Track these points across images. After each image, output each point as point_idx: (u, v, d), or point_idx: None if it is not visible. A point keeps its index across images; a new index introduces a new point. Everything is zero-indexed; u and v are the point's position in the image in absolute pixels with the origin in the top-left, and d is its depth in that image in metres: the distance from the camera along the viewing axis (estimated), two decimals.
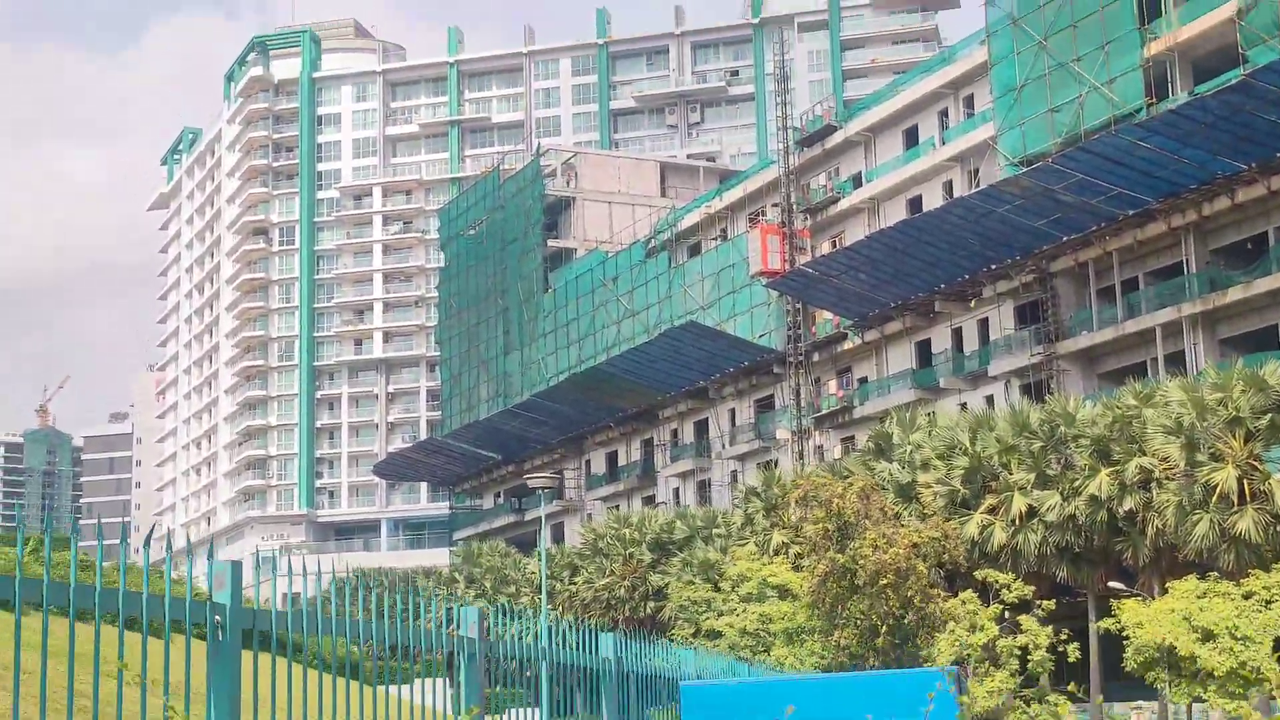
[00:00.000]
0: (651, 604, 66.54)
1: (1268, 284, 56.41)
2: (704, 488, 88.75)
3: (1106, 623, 41.99)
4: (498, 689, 8.84)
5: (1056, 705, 43.28)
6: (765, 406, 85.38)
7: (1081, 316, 65.02)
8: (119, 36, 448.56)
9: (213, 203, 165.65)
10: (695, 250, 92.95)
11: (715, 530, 65.11)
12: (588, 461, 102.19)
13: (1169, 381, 47.23)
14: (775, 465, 74.92)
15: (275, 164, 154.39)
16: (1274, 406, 42.58)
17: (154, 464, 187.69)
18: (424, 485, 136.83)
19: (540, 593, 65.19)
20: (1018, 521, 47.25)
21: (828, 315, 79.30)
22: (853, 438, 75.86)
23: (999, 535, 47.31)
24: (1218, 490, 41.65)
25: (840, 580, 45.07)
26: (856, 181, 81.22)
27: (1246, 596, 38.50)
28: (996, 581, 45.17)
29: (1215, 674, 36.99)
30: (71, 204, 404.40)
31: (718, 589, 56.18)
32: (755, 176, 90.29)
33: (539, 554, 67.50)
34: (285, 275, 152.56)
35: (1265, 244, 58.12)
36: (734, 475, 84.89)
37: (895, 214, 75.61)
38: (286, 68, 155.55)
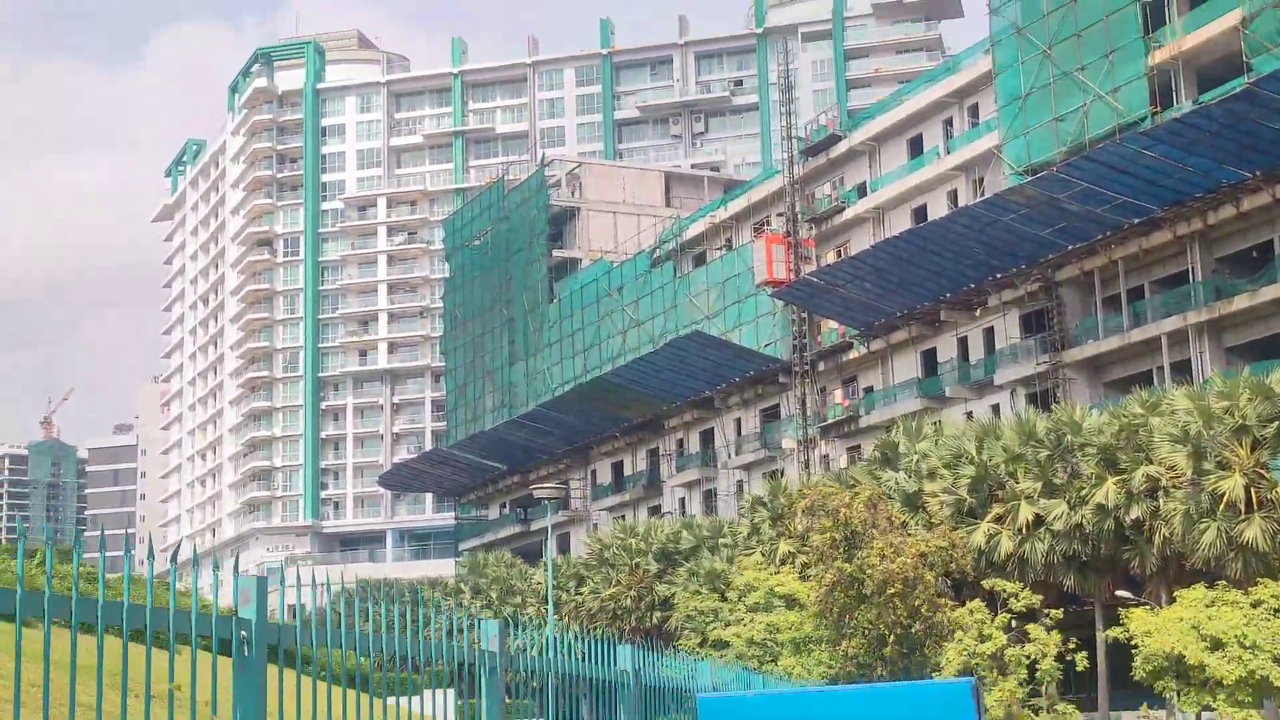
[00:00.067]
0: (658, 614, 66.49)
1: (1273, 292, 56.39)
2: (710, 497, 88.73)
3: (1115, 631, 41.97)
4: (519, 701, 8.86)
5: (1065, 714, 43.37)
6: (771, 416, 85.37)
7: (1087, 325, 64.98)
8: (123, 48, 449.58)
9: (217, 214, 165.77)
10: (700, 260, 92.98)
11: (721, 540, 65.07)
12: (593, 471, 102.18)
13: (1175, 390, 47.18)
14: (781, 475, 74.89)
15: (280, 175, 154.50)
16: None
17: (159, 476, 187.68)
18: (429, 496, 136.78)
19: (546, 603, 65.18)
20: (1025, 530, 47.20)
21: (833, 324, 79.31)
22: (858, 447, 75.84)
23: (1006, 544, 47.26)
24: (1225, 498, 41.58)
25: (848, 590, 45.11)
26: (861, 191, 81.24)
27: (1255, 605, 38.49)
28: (1004, 590, 45.21)
29: (1224, 682, 36.98)
30: (76, 216, 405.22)
31: (724, 599, 56.17)
32: (760, 186, 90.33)
33: (545, 564, 67.52)
34: (290, 286, 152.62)
35: (1270, 252, 58.13)
36: (740, 485, 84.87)
37: (900, 223, 75.63)
38: (291, 79, 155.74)
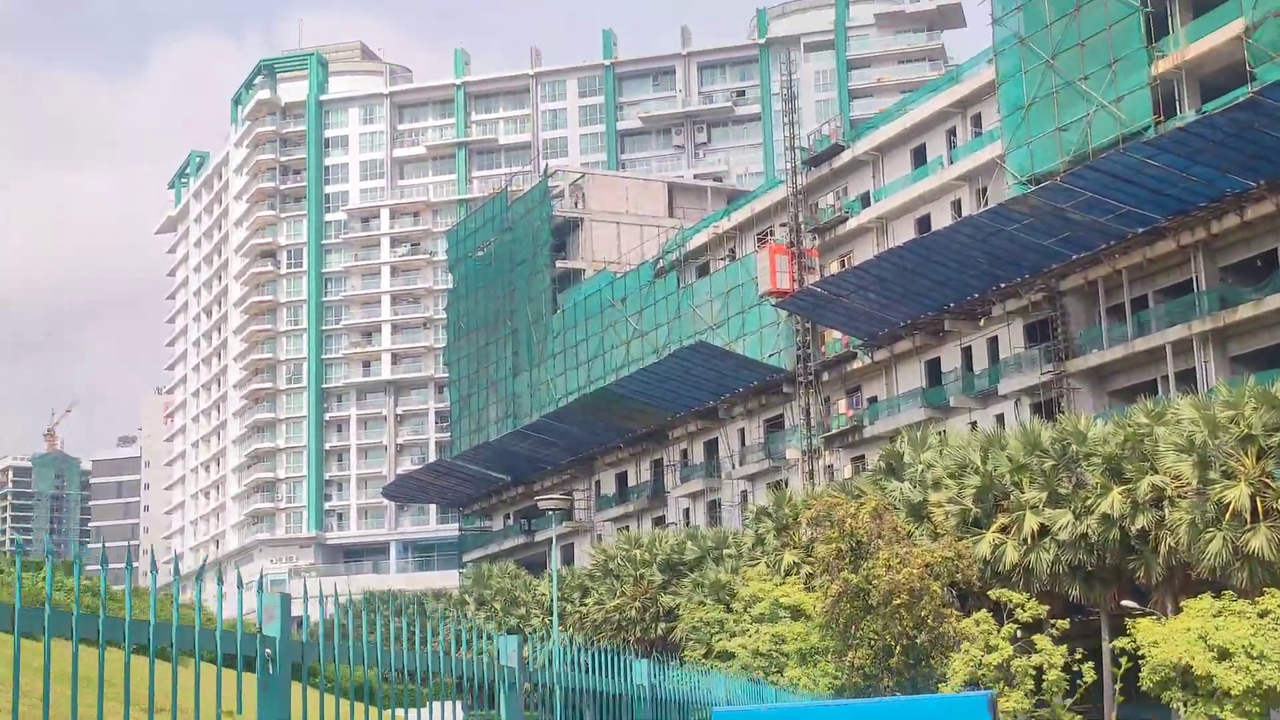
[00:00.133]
0: (663, 625, 66.43)
1: (1277, 301, 56.34)
2: (714, 508, 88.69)
3: (1122, 642, 41.92)
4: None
5: None
6: (775, 426, 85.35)
7: (1091, 334, 64.96)
8: (125, 59, 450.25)
9: (220, 226, 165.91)
10: (704, 270, 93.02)
11: (726, 551, 65.02)
12: (597, 482, 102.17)
13: (1180, 399, 47.14)
14: (785, 485, 74.86)
15: (283, 187, 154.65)
16: None
17: (162, 487, 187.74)
18: (433, 507, 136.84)
19: (551, 615, 65.15)
20: (1030, 540, 47.13)
21: (837, 335, 79.31)
22: (863, 457, 75.81)
23: (1011, 554, 47.18)
24: (1230, 508, 41.51)
25: (854, 600, 45.07)
26: (865, 201, 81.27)
27: (1262, 615, 38.43)
28: (1010, 601, 45.15)
29: (1231, 693, 36.92)
30: (79, 227, 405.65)
31: (729, 610, 56.10)
32: (763, 196, 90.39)
33: (549, 575, 67.48)
34: (293, 298, 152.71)
35: (1275, 261, 58.09)
36: (744, 495, 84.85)
37: (904, 233, 75.64)
38: (293, 90, 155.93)
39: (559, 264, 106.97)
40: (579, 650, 9.10)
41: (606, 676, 9.40)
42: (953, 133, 76.14)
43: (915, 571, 44.06)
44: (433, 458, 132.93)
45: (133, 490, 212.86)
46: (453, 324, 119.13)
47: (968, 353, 72.32)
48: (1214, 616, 38.88)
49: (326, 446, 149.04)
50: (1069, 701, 43.42)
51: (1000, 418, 67.59)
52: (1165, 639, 38.78)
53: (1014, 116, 65.87)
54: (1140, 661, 39.93)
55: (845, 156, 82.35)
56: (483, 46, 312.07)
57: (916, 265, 67.28)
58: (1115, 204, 58.42)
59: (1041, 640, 44.10)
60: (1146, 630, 40.10)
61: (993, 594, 46.06)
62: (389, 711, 7.26)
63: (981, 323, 70.84)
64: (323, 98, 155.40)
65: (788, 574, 53.85)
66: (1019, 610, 44.94)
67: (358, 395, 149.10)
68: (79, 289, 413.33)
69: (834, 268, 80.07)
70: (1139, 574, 45.93)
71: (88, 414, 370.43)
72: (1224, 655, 37.56)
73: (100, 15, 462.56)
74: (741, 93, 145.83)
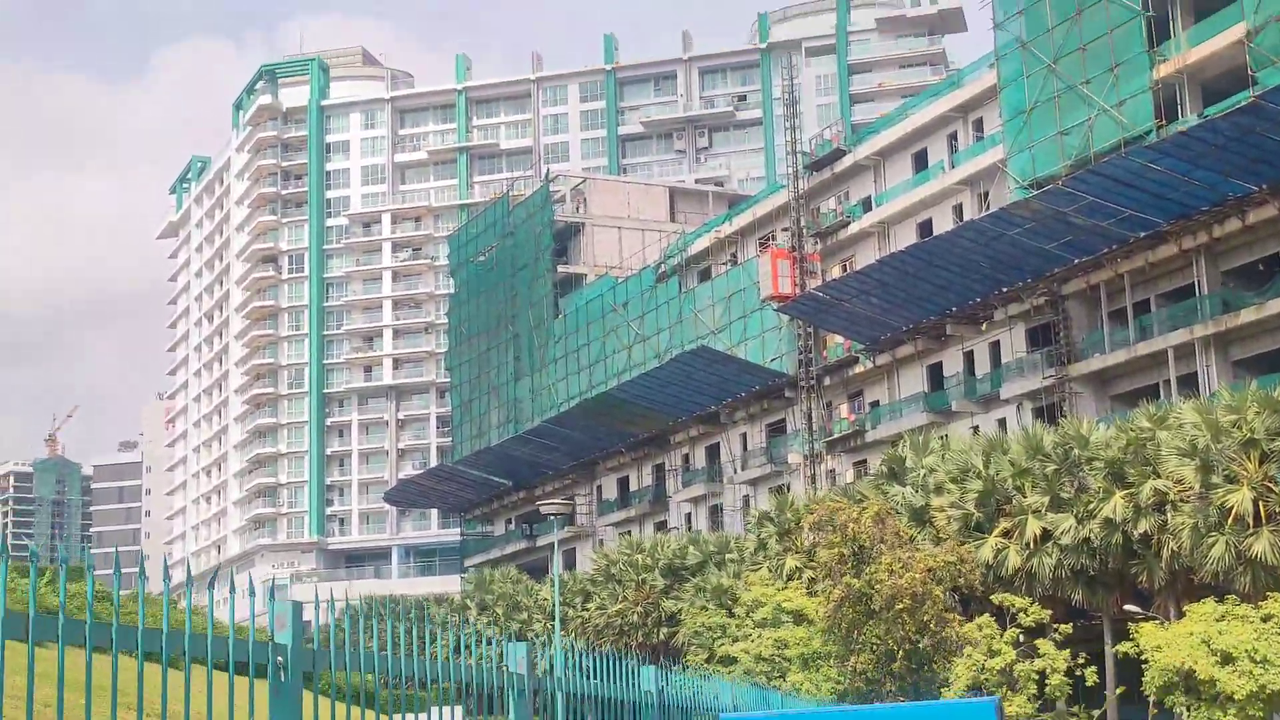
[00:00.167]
0: (665, 630, 66.43)
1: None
2: (716, 513, 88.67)
3: (1125, 646, 41.90)
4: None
5: None
6: (777, 431, 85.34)
7: (1093, 339, 64.96)
8: (126, 63, 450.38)
9: (222, 231, 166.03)
10: (705, 275, 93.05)
11: (728, 555, 65.03)
12: (599, 487, 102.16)
13: (1182, 403, 47.13)
14: (787, 490, 74.84)
15: (284, 191, 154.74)
16: None
17: (164, 492, 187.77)
18: (435, 512, 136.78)
19: (552, 620, 65.09)
20: (1032, 545, 47.12)
21: (839, 339, 79.32)
22: (865, 461, 75.81)
23: (1013, 559, 47.19)
24: (1233, 512, 41.50)
25: (856, 605, 45.10)
26: (866, 205, 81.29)
27: (1265, 619, 38.41)
28: (1013, 605, 45.15)
29: (1235, 697, 36.90)
30: (80, 232, 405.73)
31: (731, 614, 56.11)
32: (764, 201, 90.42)
33: (551, 580, 67.43)
34: (294, 303, 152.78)
35: (1277, 265, 58.09)
36: (746, 500, 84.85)
37: (905, 238, 75.66)
38: (295, 95, 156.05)
39: (560, 269, 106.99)
40: (586, 656, 9.09)
41: (614, 682, 9.40)
42: (954, 137, 76.18)
43: (918, 576, 44.08)
44: (434, 463, 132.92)
45: (134, 495, 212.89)
46: (454, 329, 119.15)
47: (969, 357, 72.32)
48: (1217, 621, 38.88)
49: (328, 451, 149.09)
50: (1073, 707, 43.42)
51: (1002, 422, 67.59)
52: (1168, 643, 38.76)
53: (1015, 121, 65.90)
54: (1143, 666, 39.91)
55: (846, 161, 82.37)
56: (484, 51, 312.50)
57: (918, 270, 67.29)
58: (1117, 208, 58.43)
59: (1044, 645, 44.12)
60: (1150, 635, 40.09)
61: (995, 598, 46.08)
62: (396, 717, 7.26)
63: (983, 327, 70.85)
64: (324, 103, 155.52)
65: (790, 579, 53.87)
66: (1021, 615, 44.96)
67: (359, 400, 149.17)
68: (80, 293, 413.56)
69: (835, 272, 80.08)
70: (1141, 578, 45.93)
71: (89, 419, 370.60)
72: (1227, 660, 37.55)
73: (101, 18, 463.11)
74: (743, 97, 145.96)
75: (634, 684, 9.83)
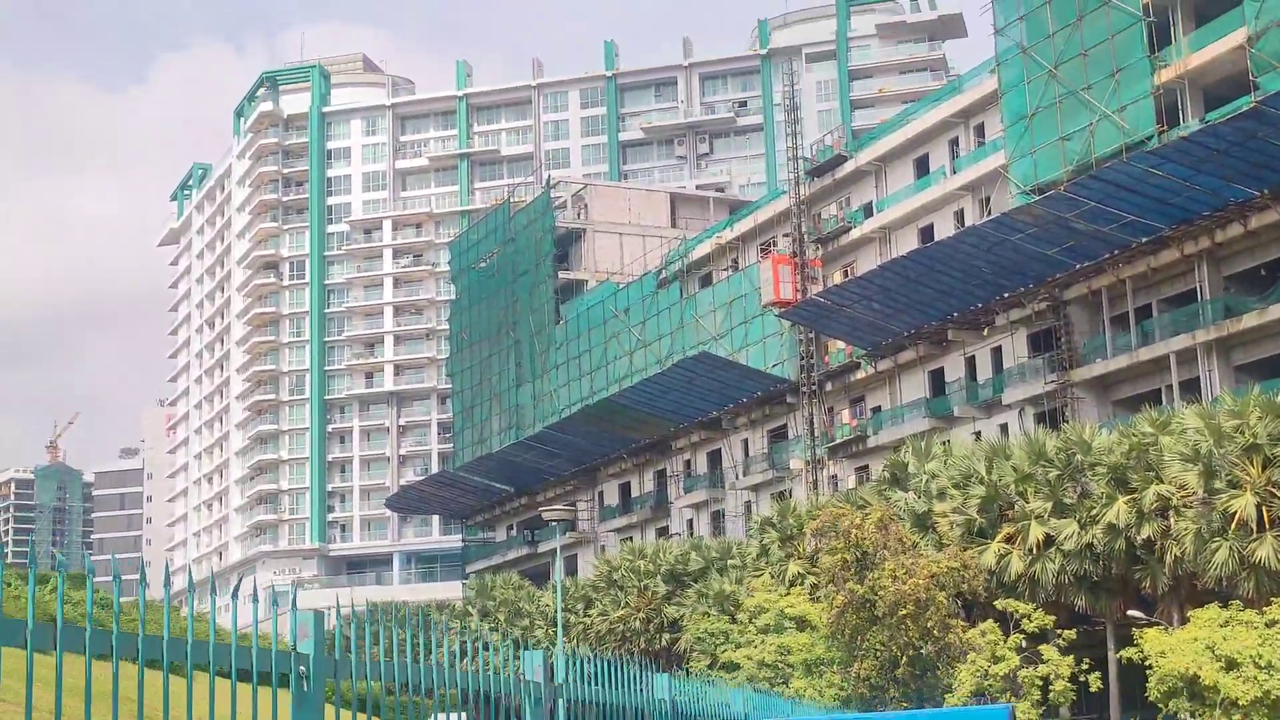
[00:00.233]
0: (667, 636, 66.33)
1: None
2: (718, 519, 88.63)
3: (1129, 652, 41.87)
4: None
5: None
6: (778, 436, 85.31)
7: (1095, 344, 64.95)
8: (127, 72, 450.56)
9: (223, 237, 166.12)
10: (706, 281, 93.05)
11: (730, 561, 64.95)
12: (600, 493, 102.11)
13: (1185, 409, 47.11)
14: (789, 495, 74.82)
15: (285, 198, 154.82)
16: None
17: (165, 499, 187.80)
18: (436, 518, 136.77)
19: (555, 626, 65.08)
20: (1035, 550, 47.10)
21: (840, 345, 79.30)
22: (867, 467, 75.77)
23: (1016, 564, 47.17)
24: (1236, 517, 41.48)
25: (859, 611, 45.07)
26: (867, 211, 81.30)
27: (1270, 625, 38.39)
28: (1016, 611, 45.13)
29: (1239, 703, 36.87)
30: (81, 239, 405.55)
31: (734, 620, 56.07)
32: (766, 207, 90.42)
33: (553, 586, 67.41)
34: (295, 309, 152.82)
35: (1279, 270, 58.10)
36: (748, 506, 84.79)
37: (907, 243, 75.65)
38: (296, 102, 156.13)
39: (562, 275, 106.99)
40: (600, 663, 9.09)
41: (628, 690, 9.41)
42: (955, 143, 76.20)
43: (921, 582, 44.06)
44: (435, 469, 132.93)
45: (135, 502, 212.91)
46: (455, 335, 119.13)
47: (971, 362, 72.31)
48: (1221, 626, 38.85)
49: (329, 458, 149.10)
50: (1078, 714, 43.39)
51: (1004, 427, 67.58)
52: (1172, 649, 38.73)
53: (1017, 126, 65.93)
54: (1147, 672, 39.88)
55: (848, 167, 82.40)
56: (485, 58, 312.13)
57: (920, 275, 67.29)
58: (1119, 213, 58.43)
59: (1048, 650, 44.11)
60: (1153, 640, 40.05)
61: (998, 604, 46.06)
62: None
63: (985, 332, 70.82)
64: (325, 109, 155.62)
65: (792, 584, 53.86)
66: (1025, 620, 44.94)
67: (360, 407, 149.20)
68: (80, 299, 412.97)
69: (837, 278, 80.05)
70: (1145, 584, 45.90)
71: (90, 426, 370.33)
72: (1231, 665, 37.52)
73: (102, 24, 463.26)
74: (743, 103, 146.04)
75: (648, 692, 9.85)
